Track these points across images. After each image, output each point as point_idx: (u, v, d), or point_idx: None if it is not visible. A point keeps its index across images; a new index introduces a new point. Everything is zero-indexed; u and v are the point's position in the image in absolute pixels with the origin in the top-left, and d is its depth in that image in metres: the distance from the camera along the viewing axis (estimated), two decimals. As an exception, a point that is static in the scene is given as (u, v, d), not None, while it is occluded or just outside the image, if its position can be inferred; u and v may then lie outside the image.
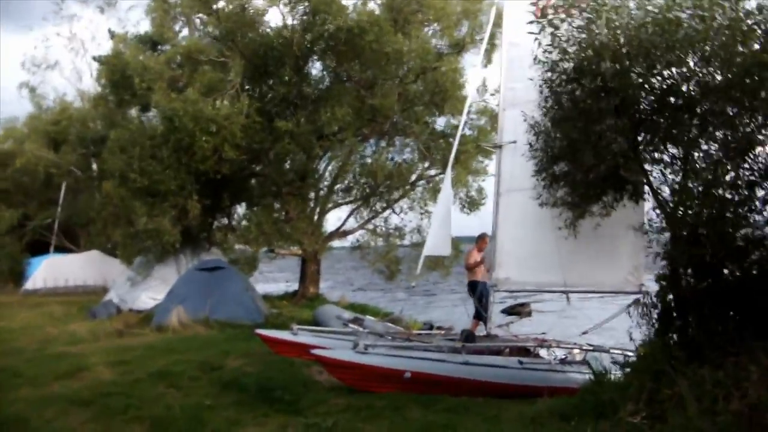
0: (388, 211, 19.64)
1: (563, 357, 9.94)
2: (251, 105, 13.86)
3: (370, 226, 19.87)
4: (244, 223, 18.78)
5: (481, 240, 11.57)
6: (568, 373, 9.42)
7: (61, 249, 25.14)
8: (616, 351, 10.26)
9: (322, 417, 7.04)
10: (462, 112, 17.85)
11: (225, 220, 18.37)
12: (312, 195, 19.00)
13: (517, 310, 20.16)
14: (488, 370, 8.96)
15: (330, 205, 19.42)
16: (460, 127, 12.29)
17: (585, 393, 7.08)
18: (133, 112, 15.05)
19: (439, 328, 12.36)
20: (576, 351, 10.11)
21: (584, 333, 10.49)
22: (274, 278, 29.95)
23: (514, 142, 10.86)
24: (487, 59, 17.19)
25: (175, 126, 13.50)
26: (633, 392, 6.22)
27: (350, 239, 20.15)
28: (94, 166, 23.57)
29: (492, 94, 17.66)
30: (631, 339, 7.26)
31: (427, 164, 18.93)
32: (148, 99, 14.06)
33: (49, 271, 21.93)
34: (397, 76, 15.11)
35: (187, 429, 6.73)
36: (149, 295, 15.40)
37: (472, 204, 19.23)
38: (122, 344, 11.49)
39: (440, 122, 18.57)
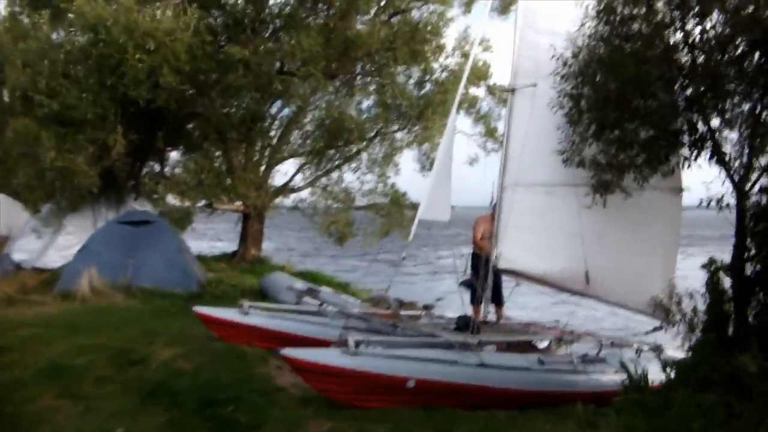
0: (345, 168, 16.80)
1: (584, 353, 7.52)
2: (201, 20, 10.52)
3: (322, 183, 16.95)
4: (179, 171, 15.46)
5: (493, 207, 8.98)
6: (591, 374, 7.15)
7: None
8: (646, 346, 8.03)
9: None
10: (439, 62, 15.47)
11: (157, 166, 14.93)
12: (260, 144, 15.84)
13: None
14: (508, 375, 6.52)
15: (280, 156, 16.31)
16: (468, 66, 9.58)
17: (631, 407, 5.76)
18: (46, 26, 11.38)
19: (426, 307, 9.81)
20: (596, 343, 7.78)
21: (651, 331, 8.21)
22: (206, 236, 26.57)
23: (534, 85, 8.34)
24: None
25: (100, 39, 10.05)
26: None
27: (297, 198, 17.22)
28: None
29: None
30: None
31: (395, 117, 16.03)
32: (67, 6, 10.52)
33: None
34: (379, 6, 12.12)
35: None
36: (59, 252, 11.94)
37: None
38: (9, 317, 8.24)
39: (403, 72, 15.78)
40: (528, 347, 8.05)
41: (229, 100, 13.30)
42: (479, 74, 15.77)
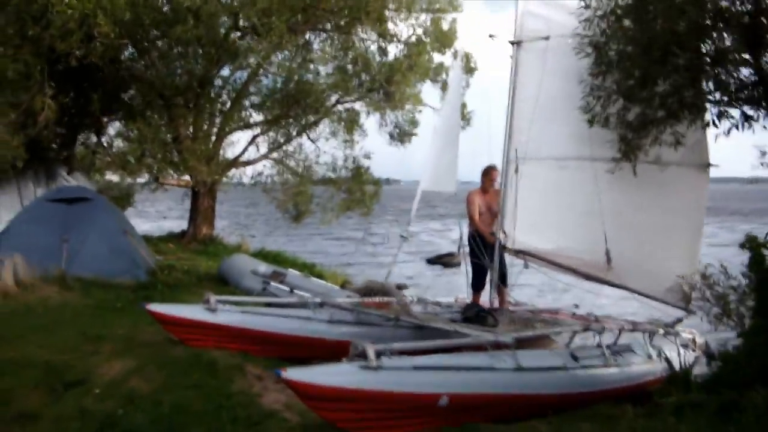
0: (302, 139, 15.13)
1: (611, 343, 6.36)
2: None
3: (278, 156, 15.23)
4: (119, 142, 13.42)
5: (486, 176, 7.61)
6: (623, 366, 6.10)
7: None
8: (687, 334, 6.97)
9: None
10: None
11: (93, 136, 12.83)
12: (210, 111, 13.89)
13: (444, 260, 16.82)
14: (546, 377, 5.33)
15: (233, 126, 14.43)
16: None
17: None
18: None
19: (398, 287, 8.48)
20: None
21: (676, 322, 7.15)
22: (148, 215, 24.34)
23: (546, 38, 7.00)
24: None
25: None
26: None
27: (251, 172, 15.44)
28: None
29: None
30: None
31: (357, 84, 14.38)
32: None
33: None
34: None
35: None
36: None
37: (402, 135, 15.25)
38: None
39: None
40: (545, 338, 6.88)
41: (174, 61, 11.42)
42: (445, 39, 14.40)
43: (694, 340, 7.37)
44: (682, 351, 6.75)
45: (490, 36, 7.30)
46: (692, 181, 6.74)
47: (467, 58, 14.45)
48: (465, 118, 14.69)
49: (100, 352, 5.52)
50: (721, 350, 6.24)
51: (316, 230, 17.76)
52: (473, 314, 6.45)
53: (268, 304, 6.67)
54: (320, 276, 11.52)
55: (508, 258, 7.48)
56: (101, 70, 10.00)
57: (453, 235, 24.66)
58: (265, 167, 15.19)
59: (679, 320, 7.30)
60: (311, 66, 14.00)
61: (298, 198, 15.13)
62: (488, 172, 7.57)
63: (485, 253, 7.48)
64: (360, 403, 4.04)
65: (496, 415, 4.77)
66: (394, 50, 14.06)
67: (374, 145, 15.38)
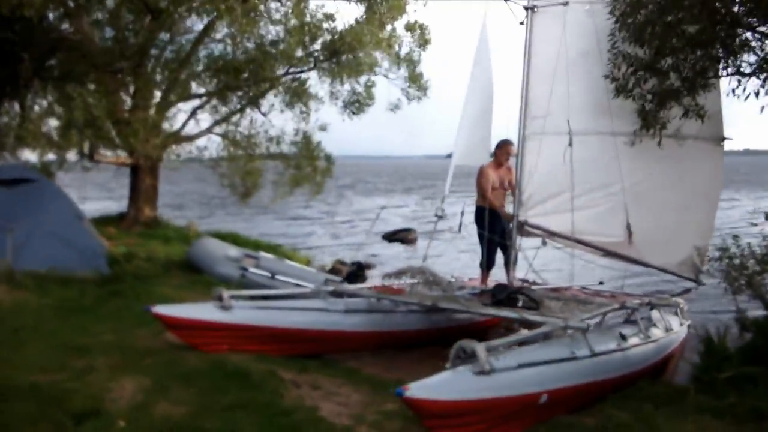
0: (249, 112, 13.80)
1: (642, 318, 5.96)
2: None
3: (223, 130, 13.85)
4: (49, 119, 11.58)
5: (500, 150, 6.98)
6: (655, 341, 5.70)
7: None
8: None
9: None
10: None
11: (17, 107, 10.96)
12: (150, 82, 12.28)
13: (401, 236, 16.16)
14: (610, 360, 4.85)
15: (175, 98, 12.88)
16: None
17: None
18: None
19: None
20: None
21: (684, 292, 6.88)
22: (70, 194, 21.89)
23: (565, 3, 6.43)
24: None
25: None
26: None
27: (195, 146, 13.96)
28: None
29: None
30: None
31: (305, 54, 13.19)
32: None
33: None
34: None
35: None
36: None
37: (358, 106, 14.21)
38: None
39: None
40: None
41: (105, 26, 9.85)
42: (396, 7, 13.46)
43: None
44: (686, 322, 6.54)
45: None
46: (708, 154, 6.50)
47: (421, 29, 13.63)
48: (421, 88, 14.01)
49: (96, 368, 4.39)
50: (755, 320, 6.04)
51: (259, 210, 16.50)
52: (506, 297, 5.81)
53: (282, 296, 5.69)
54: (290, 259, 10.52)
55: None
56: (26, 35, 8.34)
57: (404, 211, 24.20)
58: (211, 142, 13.82)
59: (688, 290, 7.10)
60: (260, 32, 12.75)
61: (247, 175, 13.90)
62: (503, 146, 6.97)
63: (495, 229, 6.93)
64: (480, 414, 3.30)
65: (576, 406, 4.28)
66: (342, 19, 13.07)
67: (328, 118, 14.29)
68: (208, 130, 13.61)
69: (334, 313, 5.71)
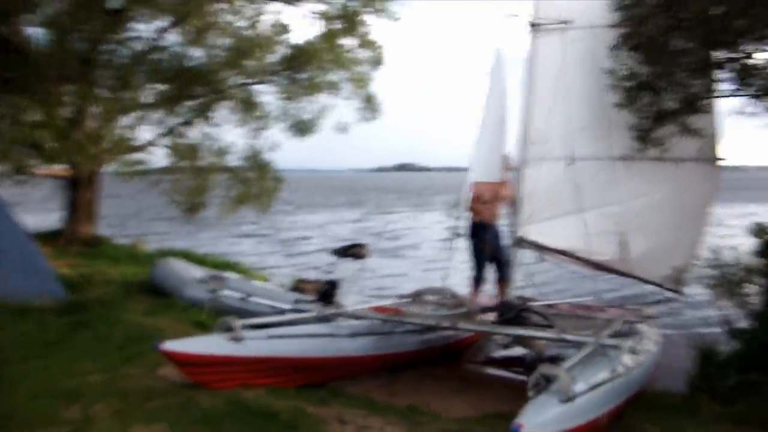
0: (196, 123, 12.93)
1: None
2: None
3: (170, 141, 12.91)
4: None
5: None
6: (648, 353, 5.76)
7: None
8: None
9: None
10: None
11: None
12: (94, 90, 11.24)
13: (353, 252, 15.65)
14: (636, 375, 4.85)
15: (119, 108, 11.83)
16: None
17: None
18: None
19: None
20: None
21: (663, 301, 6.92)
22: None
23: (565, 23, 6.38)
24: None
25: None
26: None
27: (138, 159, 12.91)
28: None
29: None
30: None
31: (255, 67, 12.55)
32: None
33: None
34: None
35: None
36: None
37: (302, 127, 13.43)
38: None
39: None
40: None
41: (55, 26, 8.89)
42: (351, 23, 13.05)
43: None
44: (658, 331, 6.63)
45: (513, 16, 6.43)
46: (704, 176, 6.56)
47: (375, 47, 13.25)
48: (374, 109, 13.54)
49: (97, 418, 3.76)
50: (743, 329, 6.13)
51: (203, 227, 15.54)
52: (513, 315, 5.59)
53: (292, 322, 5.19)
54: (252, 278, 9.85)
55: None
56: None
57: (356, 226, 23.57)
58: (155, 154, 12.84)
59: (667, 300, 7.21)
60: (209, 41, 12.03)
61: (194, 189, 13.00)
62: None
63: (485, 242, 6.76)
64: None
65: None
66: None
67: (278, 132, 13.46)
68: (153, 142, 12.68)
69: (341, 338, 5.32)
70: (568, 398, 3.27)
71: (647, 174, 6.25)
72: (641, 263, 6.64)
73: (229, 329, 4.41)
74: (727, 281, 6.14)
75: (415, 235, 20.05)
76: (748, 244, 6.14)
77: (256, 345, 4.50)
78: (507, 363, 6.75)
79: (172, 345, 4.15)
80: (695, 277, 6.73)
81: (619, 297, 8.27)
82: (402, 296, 5.72)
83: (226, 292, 7.60)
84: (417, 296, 5.69)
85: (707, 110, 5.90)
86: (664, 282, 6.95)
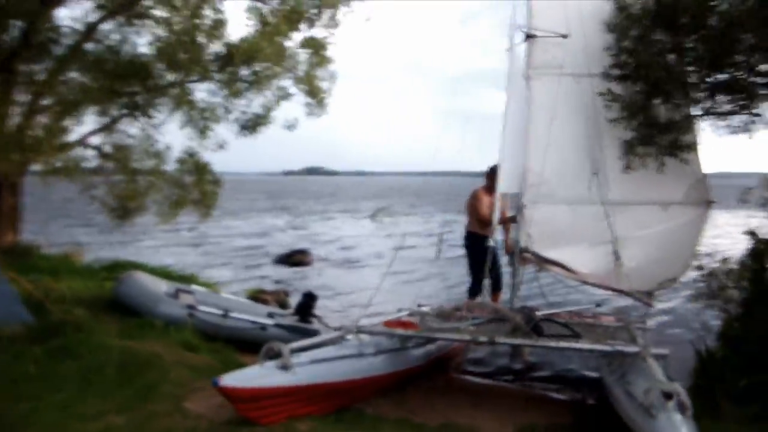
0: (128, 123, 11.81)
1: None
2: None
3: (99, 142, 11.71)
4: None
5: (491, 177, 6.67)
6: None
7: None
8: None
9: None
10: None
11: None
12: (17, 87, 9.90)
13: (296, 258, 15.14)
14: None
15: (44, 105, 10.51)
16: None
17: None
18: None
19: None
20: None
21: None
22: None
23: (564, 36, 6.34)
24: None
25: None
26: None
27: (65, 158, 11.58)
28: None
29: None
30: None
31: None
32: None
33: None
34: None
35: None
36: None
37: (253, 123, 12.79)
38: None
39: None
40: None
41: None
42: (293, 17, 12.53)
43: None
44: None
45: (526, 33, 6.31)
46: (695, 216, 6.62)
47: (318, 46, 12.78)
48: (321, 104, 13.11)
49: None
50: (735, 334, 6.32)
51: (135, 235, 14.29)
52: (533, 326, 5.47)
53: (332, 342, 4.75)
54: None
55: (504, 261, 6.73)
56: None
57: (301, 234, 22.45)
58: (84, 155, 11.56)
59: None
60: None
61: (127, 193, 11.87)
62: (496, 173, 6.64)
63: (481, 254, 6.61)
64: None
65: None
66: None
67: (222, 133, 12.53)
68: (82, 141, 11.42)
69: (368, 357, 4.98)
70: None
71: (638, 216, 6.33)
72: (626, 279, 6.64)
73: (277, 355, 3.91)
74: (718, 286, 6.32)
75: (367, 243, 19.47)
76: (738, 249, 6.29)
77: (305, 371, 4.07)
78: (496, 372, 6.65)
79: (229, 380, 3.60)
80: (687, 282, 6.85)
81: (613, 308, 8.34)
82: (436, 310, 5.42)
83: (205, 309, 6.94)
84: (453, 311, 5.40)
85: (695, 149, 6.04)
86: (638, 295, 6.96)
